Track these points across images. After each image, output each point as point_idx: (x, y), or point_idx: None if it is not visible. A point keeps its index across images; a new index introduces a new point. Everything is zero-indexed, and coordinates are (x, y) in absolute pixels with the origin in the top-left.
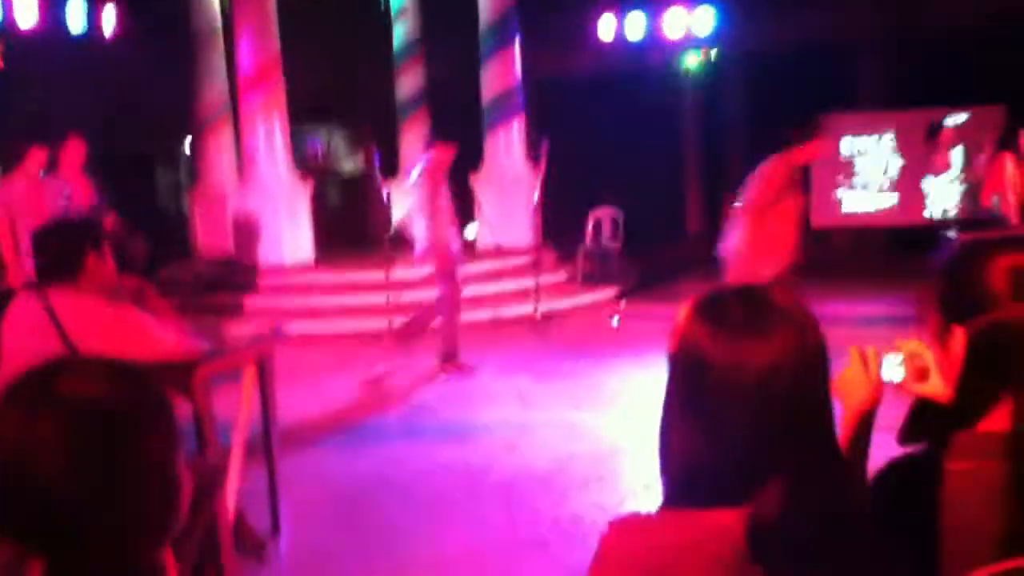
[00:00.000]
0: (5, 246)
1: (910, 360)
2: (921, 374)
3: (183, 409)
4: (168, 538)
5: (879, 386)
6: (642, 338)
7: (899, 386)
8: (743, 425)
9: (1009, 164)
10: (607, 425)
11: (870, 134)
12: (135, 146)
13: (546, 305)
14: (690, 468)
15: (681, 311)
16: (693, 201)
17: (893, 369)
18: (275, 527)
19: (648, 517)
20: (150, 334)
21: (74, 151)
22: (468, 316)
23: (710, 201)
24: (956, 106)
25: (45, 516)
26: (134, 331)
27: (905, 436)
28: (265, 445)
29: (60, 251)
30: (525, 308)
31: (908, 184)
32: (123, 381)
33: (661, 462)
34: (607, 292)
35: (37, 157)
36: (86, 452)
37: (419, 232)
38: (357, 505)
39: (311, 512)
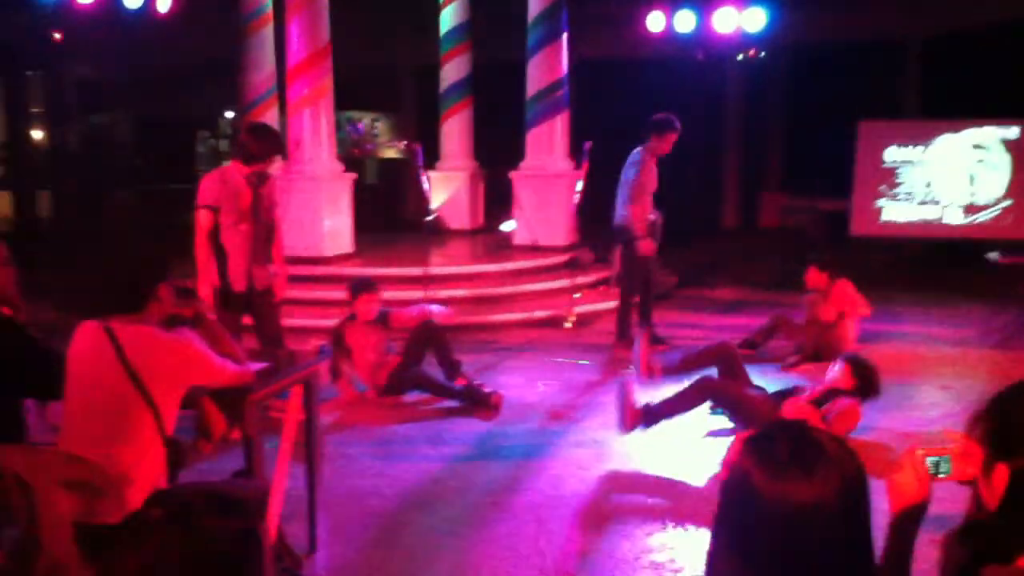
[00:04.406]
0: (200, 251)
1: (958, 459)
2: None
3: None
4: None
5: (926, 487)
6: (676, 346)
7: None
8: (784, 559)
9: None
10: (635, 444)
11: (915, 144)
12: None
13: (580, 307)
14: None
15: (733, 443)
16: (731, 197)
17: (941, 466)
18: (312, 546)
19: None
20: (208, 362)
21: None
22: (500, 317)
23: (745, 197)
24: (1006, 118)
25: None
26: (193, 360)
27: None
28: (308, 466)
29: (130, 285)
30: (559, 309)
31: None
32: None
33: None
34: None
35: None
36: None
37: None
38: (389, 523)
39: (345, 531)
